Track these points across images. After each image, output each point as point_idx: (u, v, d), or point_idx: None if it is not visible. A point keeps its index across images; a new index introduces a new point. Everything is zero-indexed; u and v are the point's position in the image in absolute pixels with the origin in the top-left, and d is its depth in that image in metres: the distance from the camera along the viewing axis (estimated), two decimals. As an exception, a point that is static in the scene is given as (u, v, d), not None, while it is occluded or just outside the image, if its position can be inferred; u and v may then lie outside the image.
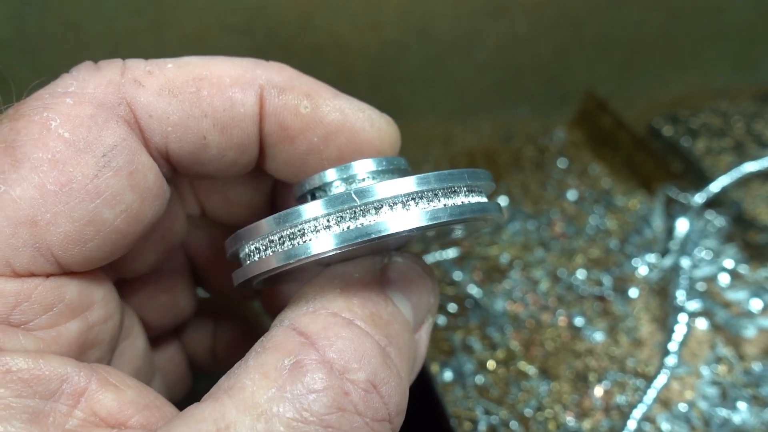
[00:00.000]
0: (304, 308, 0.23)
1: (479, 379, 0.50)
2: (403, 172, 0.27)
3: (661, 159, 0.66)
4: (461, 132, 0.77)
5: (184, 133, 0.25)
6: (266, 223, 0.23)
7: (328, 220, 0.22)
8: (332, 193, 0.25)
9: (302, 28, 0.67)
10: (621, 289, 0.57)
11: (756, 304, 0.54)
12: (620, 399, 0.49)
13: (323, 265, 0.26)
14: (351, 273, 0.25)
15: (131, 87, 0.24)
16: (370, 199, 0.22)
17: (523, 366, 0.51)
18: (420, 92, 0.78)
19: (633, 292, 0.57)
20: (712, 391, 0.49)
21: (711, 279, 0.57)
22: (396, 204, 0.22)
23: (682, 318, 0.52)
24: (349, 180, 0.26)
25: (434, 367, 0.51)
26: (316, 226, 0.22)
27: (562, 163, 0.72)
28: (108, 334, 0.26)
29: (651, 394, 0.48)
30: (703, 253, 0.58)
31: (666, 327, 0.53)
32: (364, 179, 0.26)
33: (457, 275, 0.58)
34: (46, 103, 0.23)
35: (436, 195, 0.23)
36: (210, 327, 0.38)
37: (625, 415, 0.47)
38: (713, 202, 0.62)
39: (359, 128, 0.26)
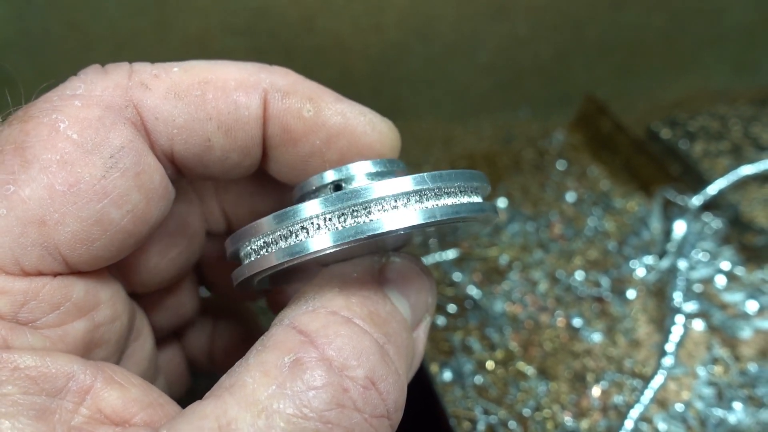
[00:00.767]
0: (303, 307, 0.23)
1: (478, 379, 0.51)
2: (400, 174, 0.27)
3: (659, 162, 0.67)
4: (462, 134, 0.78)
5: (189, 136, 0.25)
6: (265, 222, 0.23)
7: (326, 219, 0.23)
8: (330, 193, 0.25)
9: (304, 29, 0.68)
10: (619, 290, 0.57)
11: (752, 306, 0.55)
12: (618, 399, 0.49)
13: (322, 265, 0.26)
14: (350, 272, 0.25)
15: (138, 90, 0.24)
16: (367, 198, 0.22)
17: (522, 366, 0.51)
18: (421, 94, 0.79)
19: (631, 294, 0.57)
20: (708, 392, 0.49)
21: (708, 281, 0.57)
22: (392, 203, 0.22)
23: (679, 319, 0.53)
24: (347, 181, 0.26)
25: (434, 368, 0.51)
26: (314, 225, 0.23)
27: (561, 165, 0.72)
28: (115, 335, 0.26)
29: (648, 394, 0.48)
30: (700, 255, 0.59)
31: (663, 328, 0.53)
32: (362, 180, 0.26)
33: (457, 276, 0.58)
34: (54, 105, 0.23)
35: (431, 194, 0.23)
36: (208, 327, 0.38)
37: (623, 415, 0.48)
38: (710, 205, 0.62)
39: (360, 132, 0.27)
